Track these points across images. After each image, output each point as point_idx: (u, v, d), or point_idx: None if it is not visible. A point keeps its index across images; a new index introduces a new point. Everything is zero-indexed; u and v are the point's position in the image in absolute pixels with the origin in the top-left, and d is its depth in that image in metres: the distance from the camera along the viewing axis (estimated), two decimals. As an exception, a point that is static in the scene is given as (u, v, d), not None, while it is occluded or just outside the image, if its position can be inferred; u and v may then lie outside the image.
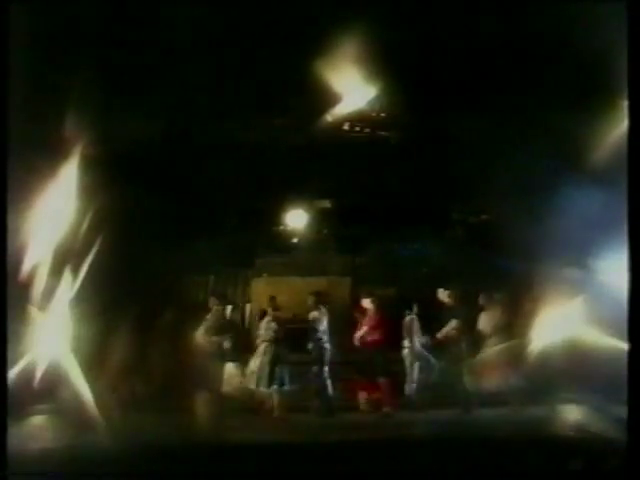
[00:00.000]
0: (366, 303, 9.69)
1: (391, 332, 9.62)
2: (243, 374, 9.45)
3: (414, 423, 8.66)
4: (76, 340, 8.30)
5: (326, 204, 11.83)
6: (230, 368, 9.33)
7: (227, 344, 9.27)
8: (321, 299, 9.70)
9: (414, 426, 8.51)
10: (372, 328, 9.52)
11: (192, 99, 9.03)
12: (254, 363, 9.49)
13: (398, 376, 9.61)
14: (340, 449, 7.35)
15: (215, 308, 9.51)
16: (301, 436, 8.20)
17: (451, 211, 11.54)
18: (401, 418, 9.02)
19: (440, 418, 8.83)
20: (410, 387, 9.65)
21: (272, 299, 9.83)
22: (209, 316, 9.44)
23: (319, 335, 9.45)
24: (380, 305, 9.65)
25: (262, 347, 9.51)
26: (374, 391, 9.39)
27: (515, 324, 9.26)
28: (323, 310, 9.57)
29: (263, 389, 9.40)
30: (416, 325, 9.77)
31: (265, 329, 9.57)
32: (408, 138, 10.37)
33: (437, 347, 9.65)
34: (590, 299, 8.07)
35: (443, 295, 9.63)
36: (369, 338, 9.50)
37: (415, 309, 9.77)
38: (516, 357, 8.94)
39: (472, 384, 9.14)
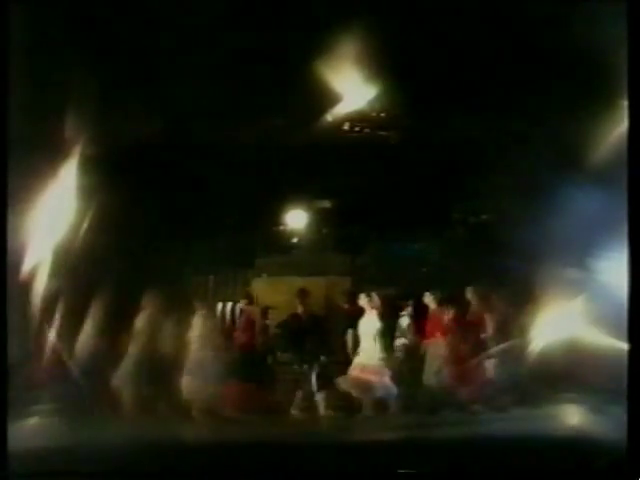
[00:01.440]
0: (242, 304, 9.62)
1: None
2: None
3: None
4: (76, 340, 8.31)
5: (326, 204, 11.82)
6: None
7: None
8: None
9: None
10: (242, 330, 9.45)
11: (192, 99, 9.03)
12: None
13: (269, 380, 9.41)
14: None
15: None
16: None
17: (451, 211, 11.54)
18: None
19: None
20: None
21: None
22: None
23: None
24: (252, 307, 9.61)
25: None
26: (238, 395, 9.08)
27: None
28: None
29: None
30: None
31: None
32: (408, 138, 10.37)
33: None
34: (590, 299, 8.07)
35: (363, 302, 9.38)
36: (238, 341, 9.39)
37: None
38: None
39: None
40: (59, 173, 8.11)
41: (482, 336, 9.14)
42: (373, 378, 8.89)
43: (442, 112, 9.50)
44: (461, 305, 9.42)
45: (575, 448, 6.71)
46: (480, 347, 9.08)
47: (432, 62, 8.78)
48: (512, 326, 9.06)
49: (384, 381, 8.90)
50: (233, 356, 9.24)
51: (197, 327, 8.92)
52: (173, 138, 9.46)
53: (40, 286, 7.98)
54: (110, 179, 8.48)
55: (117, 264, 8.87)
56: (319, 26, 8.15)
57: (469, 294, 9.39)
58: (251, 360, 9.29)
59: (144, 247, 9.45)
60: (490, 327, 9.14)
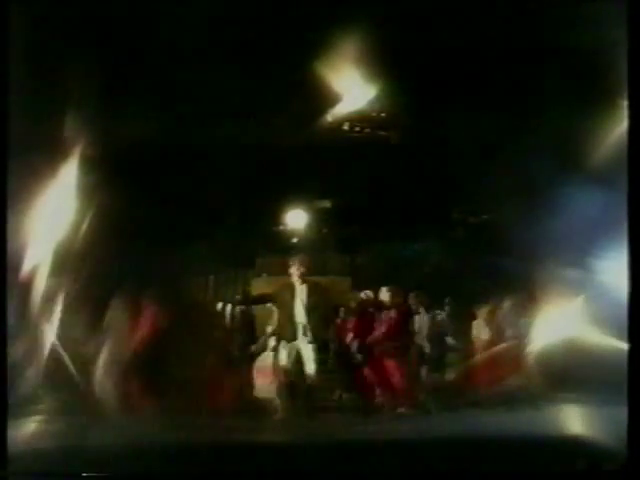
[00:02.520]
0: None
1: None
2: None
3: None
4: (76, 340, 8.31)
5: (326, 204, 11.82)
6: None
7: None
8: None
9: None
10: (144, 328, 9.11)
11: (192, 99, 9.04)
12: None
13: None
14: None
15: None
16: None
17: (451, 211, 11.54)
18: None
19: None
20: None
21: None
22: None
23: None
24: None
25: None
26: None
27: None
28: None
29: None
30: None
31: None
32: (408, 138, 10.38)
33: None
34: (590, 299, 8.07)
35: None
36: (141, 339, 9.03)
37: None
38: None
39: None
40: (59, 173, 8.10)
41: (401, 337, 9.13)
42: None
43: (442, 112, 9.51)
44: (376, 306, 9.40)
45: (574, 448, 6.70)
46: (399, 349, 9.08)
47: (432, 62, 8.79)
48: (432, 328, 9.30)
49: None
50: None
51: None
52: (173, 138, 9.46)
53: (40, 286, 7.97)
54: (110, 179, 8.48)
55: (117, 264, 8.87)
56: (319, 26, 8.16)
57: (383, 294, 9.30)
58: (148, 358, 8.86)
59: (143, 247, 9.44)
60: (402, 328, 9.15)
